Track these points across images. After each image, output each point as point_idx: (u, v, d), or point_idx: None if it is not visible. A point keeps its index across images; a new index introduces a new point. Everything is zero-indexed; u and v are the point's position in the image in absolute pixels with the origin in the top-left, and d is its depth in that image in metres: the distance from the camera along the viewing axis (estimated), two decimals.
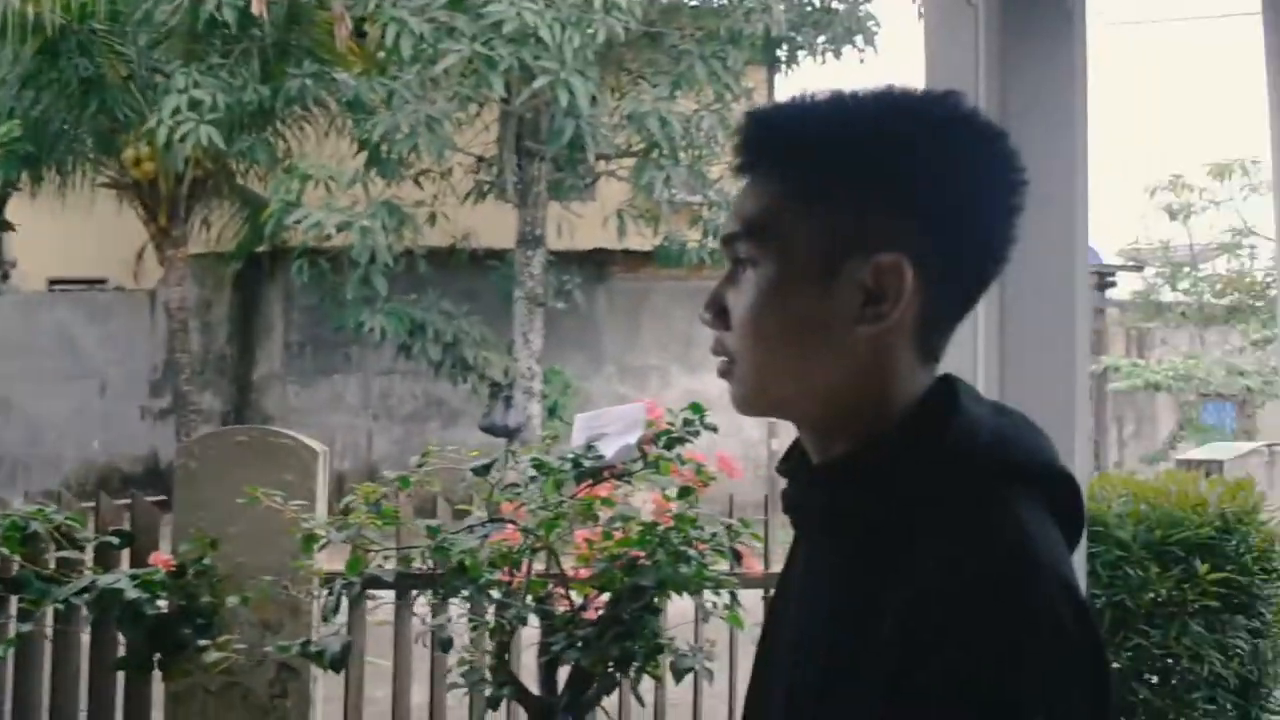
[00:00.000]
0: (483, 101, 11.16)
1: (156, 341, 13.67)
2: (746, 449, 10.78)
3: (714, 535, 2.89)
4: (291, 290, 13.07)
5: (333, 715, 3.42)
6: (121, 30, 10.76)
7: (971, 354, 2.03)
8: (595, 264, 13.63)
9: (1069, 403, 2.07)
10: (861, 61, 13.34)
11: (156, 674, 3.20)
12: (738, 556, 2.89)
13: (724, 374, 0.92)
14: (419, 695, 3.51)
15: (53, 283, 14.85)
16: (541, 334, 11.46)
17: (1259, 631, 3.13)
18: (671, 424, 2.95)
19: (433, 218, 11.42)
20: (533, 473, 2.82)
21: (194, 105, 9.76)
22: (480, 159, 12.21)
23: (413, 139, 10.01)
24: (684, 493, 2.93)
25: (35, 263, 14.66)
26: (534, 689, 2.97)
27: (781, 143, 0.88)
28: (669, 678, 2.96)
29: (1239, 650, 3.04)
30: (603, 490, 3.01)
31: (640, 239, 12.65)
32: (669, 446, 2.93)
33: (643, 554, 2.89)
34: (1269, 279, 16.29)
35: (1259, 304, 15.07)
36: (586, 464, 2.84)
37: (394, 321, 10.68)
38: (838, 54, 12.07)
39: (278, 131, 11.68)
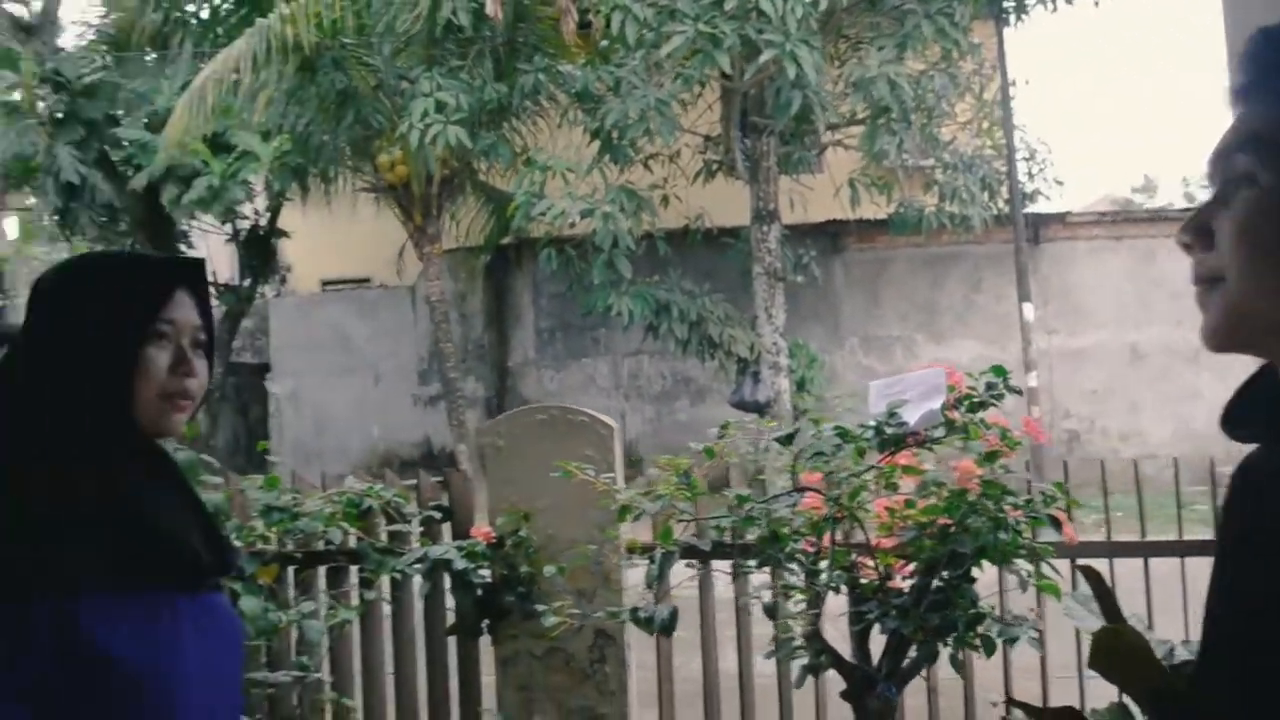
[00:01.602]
0: (705, 81, 11.23)
1: (420, 333, 14.61)
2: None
3: (1028, 501, 2.81)
4: (539, 279, 13.65)
5: (645, 681, 3.56)
6: (368, 43, 11.52)
7: None
8: (829, 236, 13.49)
9: None
10: (1096, 4, 12.55)
11: (485, 640, 3.43)
12: (1056, 523, 2.80)
13: (1200, 303, 0.89)
14: (727, 664, 3.61)
15: (325, 283, 16.13)
16: (783, 308, 11.45)
17: None
18: (973, 388, 2.89)
19: (665, 200, 11.62)
20: (836, 441, 2.83)
21: (440, 107, 10.32)
22: (707, 138, 12.30)
23: (643, 123, 10.20)
24: (990, 458, 2.87)
25: (308, 266, 15.98)
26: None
27: None
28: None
29: None
30: (902, 458, 2.99)
31: (873, 208, 12.42)
32: (971, 411, 2.87)
33: (951, 521, 2.85)
34: None
35: None
36: (889, 431, 2.82)
37: (640, 303, 10.95)
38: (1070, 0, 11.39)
39: (513, 127, 12.19)
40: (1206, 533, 3.59)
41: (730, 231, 12.52)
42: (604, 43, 10.80)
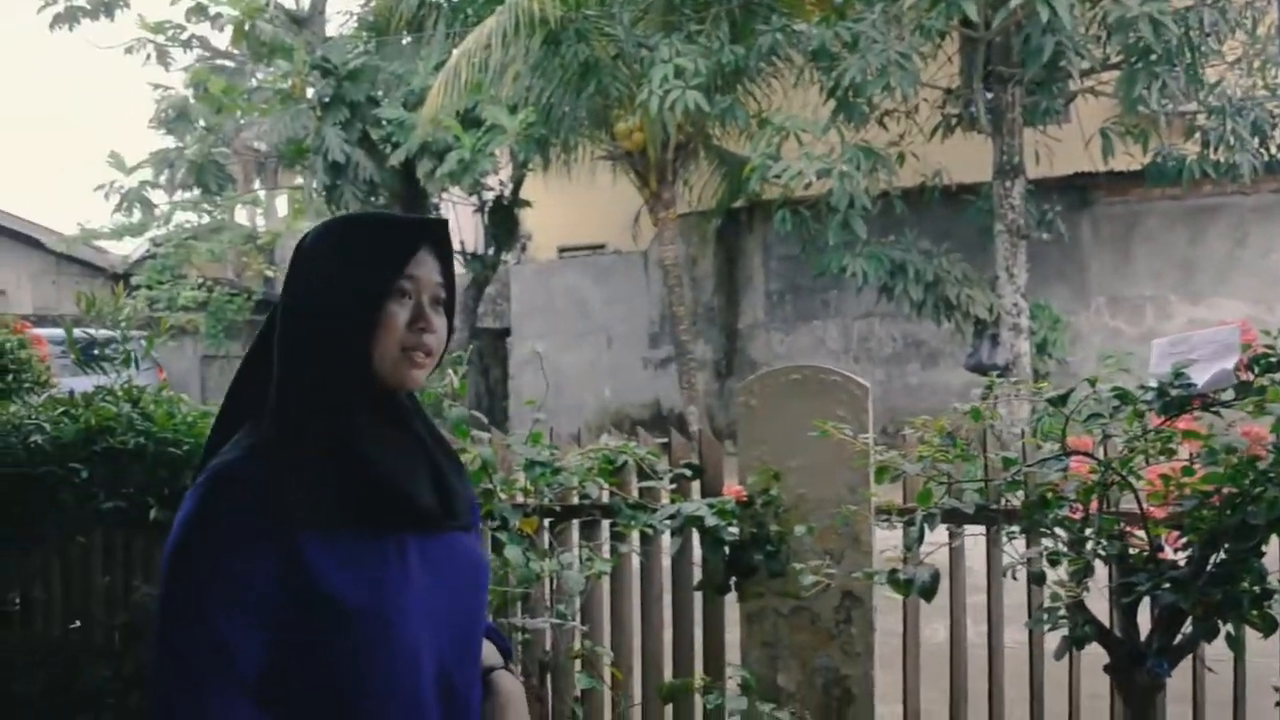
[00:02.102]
0: (946, 32, 10.77)
1: (652, 297, 14.89)
2: None
3: None
4: (769, 241, 13.60)
5: (885, 645, 3.52)
6: (609, 13, 11.73)
7: None
8: (1077, 190, 12.74)
9: None
10: None
11: (729, 597, 3.49)
12: None
13: None
14: (971, 632, 3.52)
15: (562, 250, 16.69)
16: (1025, 268, 10.92)
17: None
18: (1270, 347, 2.66)
19: (902, 157, 11.28)
20: (1115, 403, 2.68)
21: (679, 73, 10.40)
22: (947, 91, 11.83)
23: (884, 79, 9.90)
24: None
25: (547, 233, 16.58)
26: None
27: None
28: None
29: None
30: (1182, 423, 2.80)
31: (1127, 159, 11.61)
32: (1268, 371, 2.65)
33: (1237, 490, 2.65)
34: None
35: None
36: (1174, 393, 2.64)
37: (874, 264, 10.71)
38: None
39: (748, 90, 12.14)
40: None
41: (970, 188, 12.02)
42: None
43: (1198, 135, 11.20)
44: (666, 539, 3.53)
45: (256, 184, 20.55)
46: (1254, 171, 10.91)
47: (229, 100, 16.51)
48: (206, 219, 18.87)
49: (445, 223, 1.56)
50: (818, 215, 10.92)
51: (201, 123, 18.14)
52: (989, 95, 11.36)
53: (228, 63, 19.10)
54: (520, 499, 3.54)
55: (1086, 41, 10.61)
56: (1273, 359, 2.65)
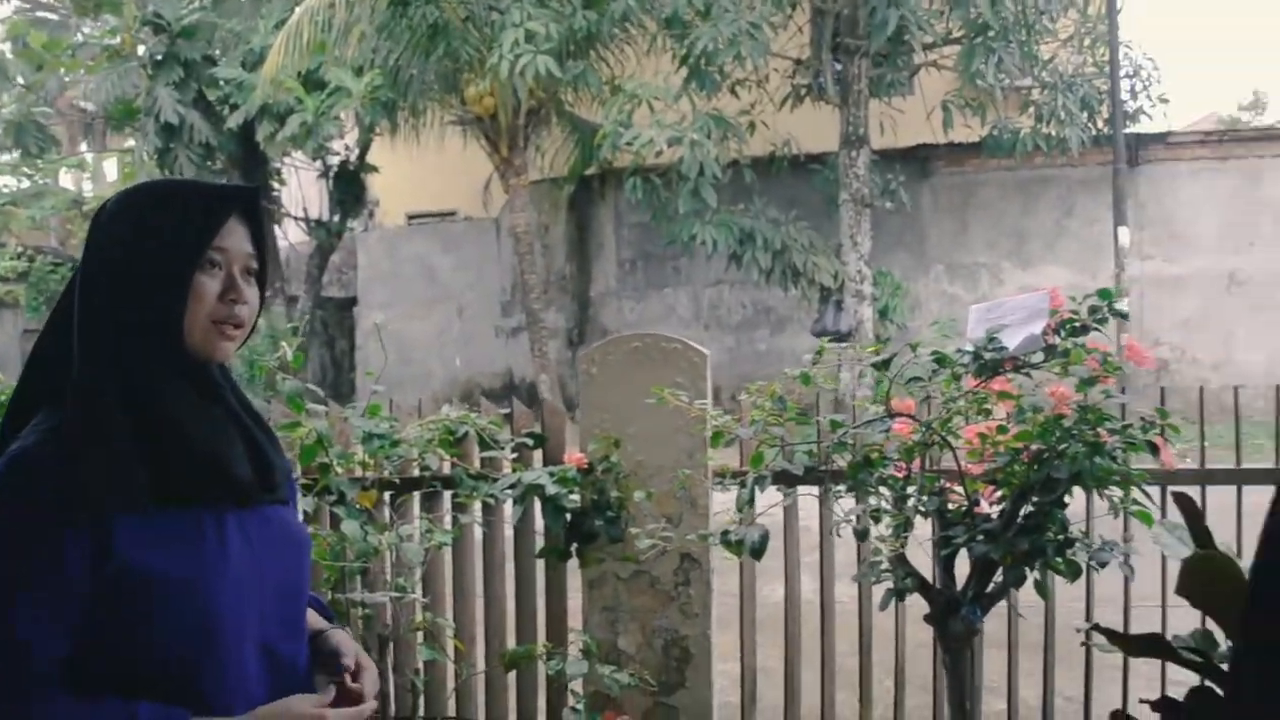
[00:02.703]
0: (796, 2, 10.96)
1: (504, 265, 14.75)
2: None
3: (1125, 426, 2.75)
4: (621, 209, 13.63)
5: (724, 606, 3.61)
6: None
7: None
8: (919, 160, 13.19)
9: None
10: None
11: (571, 563, 3.51)
12: (1154, 449, 2.73)
13: None
14: (805, 589, 3.64)
15: (411, 217, 16.34)
16: (869, 236, 11.26)
17: None
18: (1075, 312, 2.82)
19: (752, 126, 11.44)
20: (933, 366, 2.80)
21: (529, 37, 10.27)
22: (797, 62, 12.05)
23: (734, 48, 10.02)
24: (1089, 383, 2.81)
25: (395, 200, 16.20)
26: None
27: None
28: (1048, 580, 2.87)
29: None
30: (997, 384, 2.94)
31: (966, 130, 12.08)
32: (1072, 335, 2.80)
33: (1044, 446, 2.81)
34: None
35: None
36: (987, 356, 2.77)
37: (724, 232, 10.86)
38: None
39: (600, 56, 12.08)
40: None
41: (817, 158, 12.30)
42: None
43: (1031, 110, 11.75)
44: (509, 508, 3.52)
45: (83, 146, 19.40)
46: (1082, 145, 11.51)
47: (51, 56, 15.49)
48: (27, 183, 17.72)
49: (257, 190, 1.51)
50: (669, 183, 11.00)
51: (20, 80, 16.96)
52: (837, 67, 11.63)
53: (50, 15, 17.91)
54: (359, 472, 3.47)
55: (929, 17, 10.97)
56: (1077, 324, 2.81)
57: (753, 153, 11.60)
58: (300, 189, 15.52)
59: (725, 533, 2.70)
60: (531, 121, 12.56)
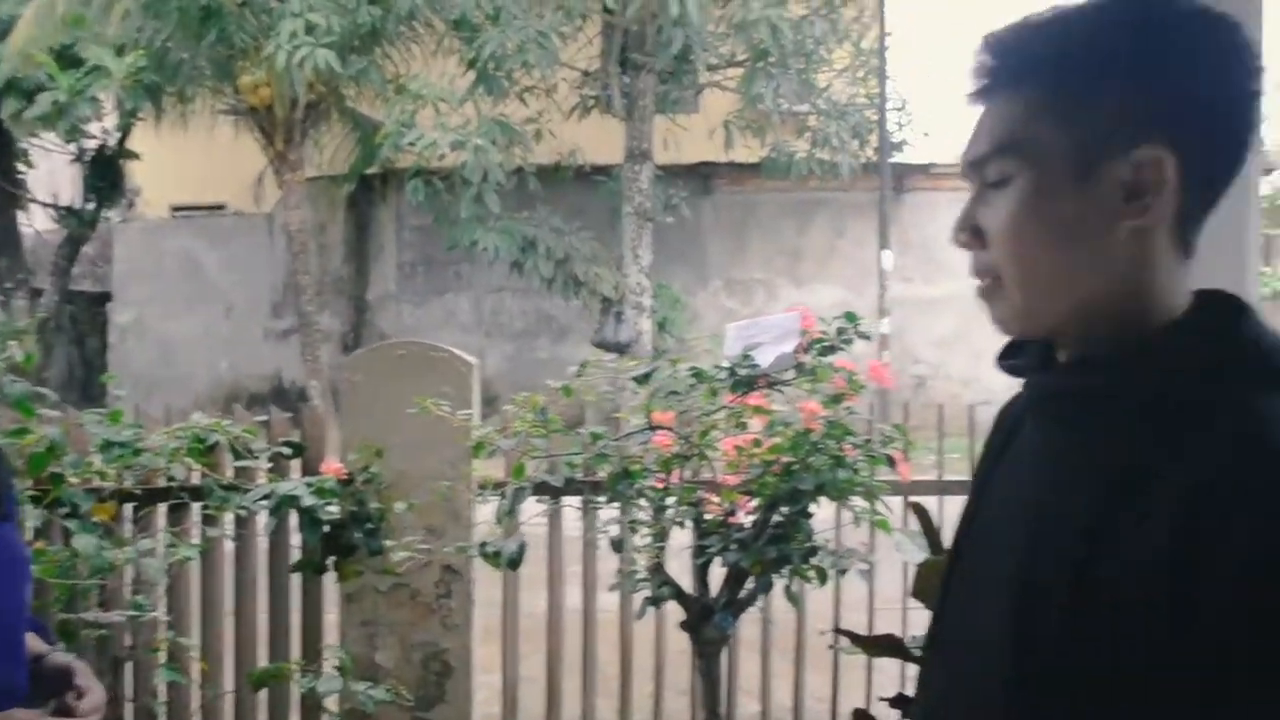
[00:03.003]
0: (586, 15, 11.07)
1: (276, 264, 14.12)
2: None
3: (866, 441, 2.92)
4: (403, 211, 13.33)
5: (489, 617, 3.58)
6: None
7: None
8: (701, 177, 13.55)
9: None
10: None
11: (328, 576, 3.39)
12: (892, 462, 2.92)
13: (987, 295, 0.93)
14: (571, 599, 3.66)
15: (175, 209, 15.39)
16: (650, 249, 11.49)
17: None
18: (825, 332, 2.97)
19: (539, 135, 11.46)
20: (691, 381, 2.88)
21: (309, 29, 9.90)
22: (585, 73, 12.16)
23: (523, 55, 10.02)
24: (835, 400, 2.96)
25: (158, 190, 15.21)
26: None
27: (1024, 61, 0.89)
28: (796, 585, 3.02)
29: None
30: (753, 399, 3.06)
31: (746, 151, 12.51)
32: (822, 355, 2.95)
33: (795, 459, 2.94)
34: None
35: None
36: (742, 373, 2.87)
37: (506, 239, 10.82)
38: None
39: (385, 53, 11.79)
40: None
41: (602, 169, 12.45)
42: None
43: (807, 135, 12.31)
44: (263, 520, 3.36)
45: None
46: (853, 171, 12.16)
47: None
48: None
49: None
50: (451, 187, 10.86)
51: None
52: (625, 80, 11.81)
53: None
54: (96, 483, 3.23)
55: (715, 39, 11.32)
56: (826, 343, 2.96)
57: (538, 161, 11.61)
58: (51, 174, 14.34)
59: (484, 544, 2.69)
60: (310, 116, 12.10)
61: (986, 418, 3.84)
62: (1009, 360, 1.00)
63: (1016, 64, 0.89)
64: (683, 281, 13.29)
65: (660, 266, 12.29)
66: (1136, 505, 0.80)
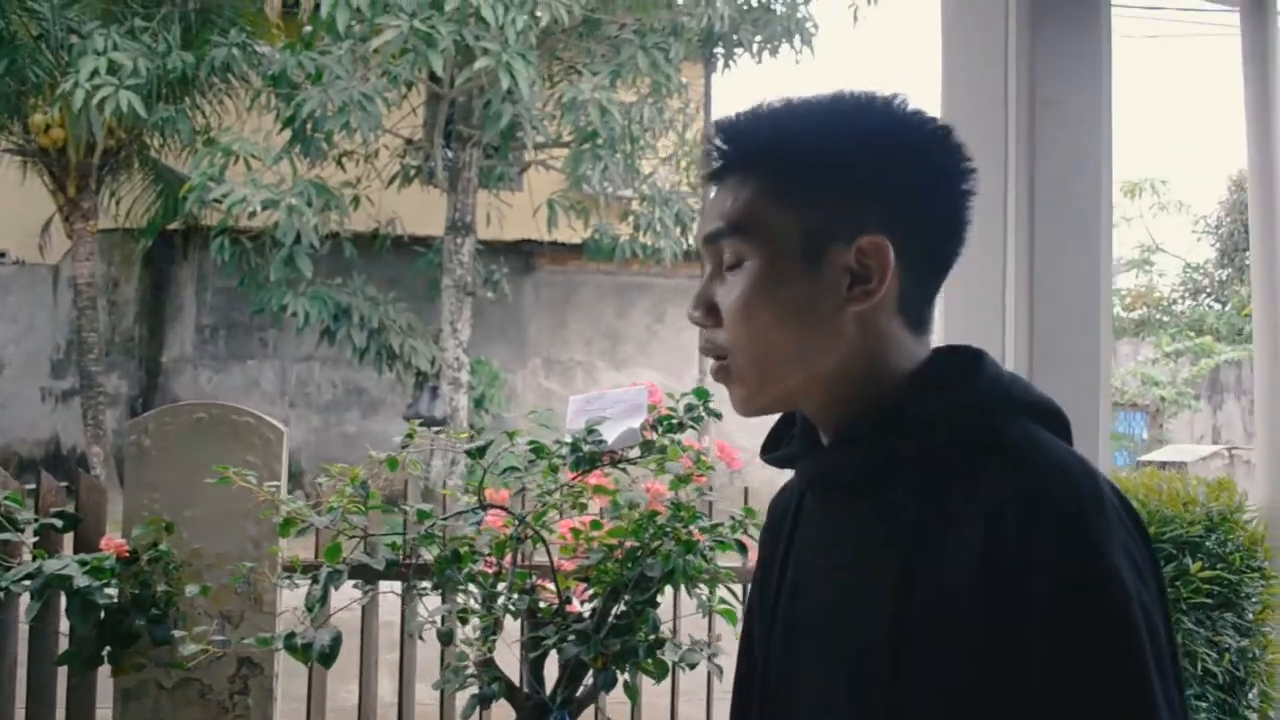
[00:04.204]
0: (413, 82, 10.85)
1: (59, 320, 13.00)
2: None
3: (716, 526, 2.77)
4: (206, 271, 12.57)
5: (292, 713, 3.21)
6: None
7: (999, 347, 2.01)
8: (522, 255, 13.43)
9: (1093, 400, 2.03)
10: (797, 63, 13.42)
11: (103, 670, 2.95)
12: (743, 548, 2.77)
13: (720, 374, 0.97)
14: (384, 692, 3.33)
15: None
16: (469, 324, 11.21)
17: (1244, 629, 3.14)
18: (673, 409, 2.82)
19: (357, 200, 11.06)
20: (530, 457, 2.66)
21: (113, 69, 9.27)
22: (409, 142, 11.91)
23: (343, 117, 9.67)
24: (682, 481, 2.81)
25: None
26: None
27: (757, 147, 0.94)
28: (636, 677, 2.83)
29: (1228, 647, 3.04)
30: (593, 478, 2.87)
31: (569, 231, 12.50)
32: (670, 432, 2.80)
33: (638, 544, 2.76)
34: (1174, 295, 16.88)
35: (1165, 319, 15.58)
36: (586, 448, 2.68)
37: (318, 305, 10.30)
38: (774, 53, 12.06)
39: (196, 104, 11.19)
40: None
41: (422, 240, 12.15)
42: (309, 28, 10.13)
43: (631, 218, 12.40)
44: (26, 602, 2.91)
45: None
46: (674, 257, 12.30)
47: None
48: None
49: None
50: (261, 248, 10.30)
51: None
52: (449, 152, 11.61)
53: None
54: None
55: (543, 117, 11.29)
56: (674, 420, 2.81)
57: (355, 227, 11.20)
58: None
59: (291, 635, 2.36)
60: (108, 163, 11.30)
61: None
62: (773, 453, 1.05)
63: (748, 150, 0.94)
64: (501, 359, 13.04)
65: (480, 342, 12.02)
66: (932, 552, 0.84)
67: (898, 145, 0.92)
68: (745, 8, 11.88)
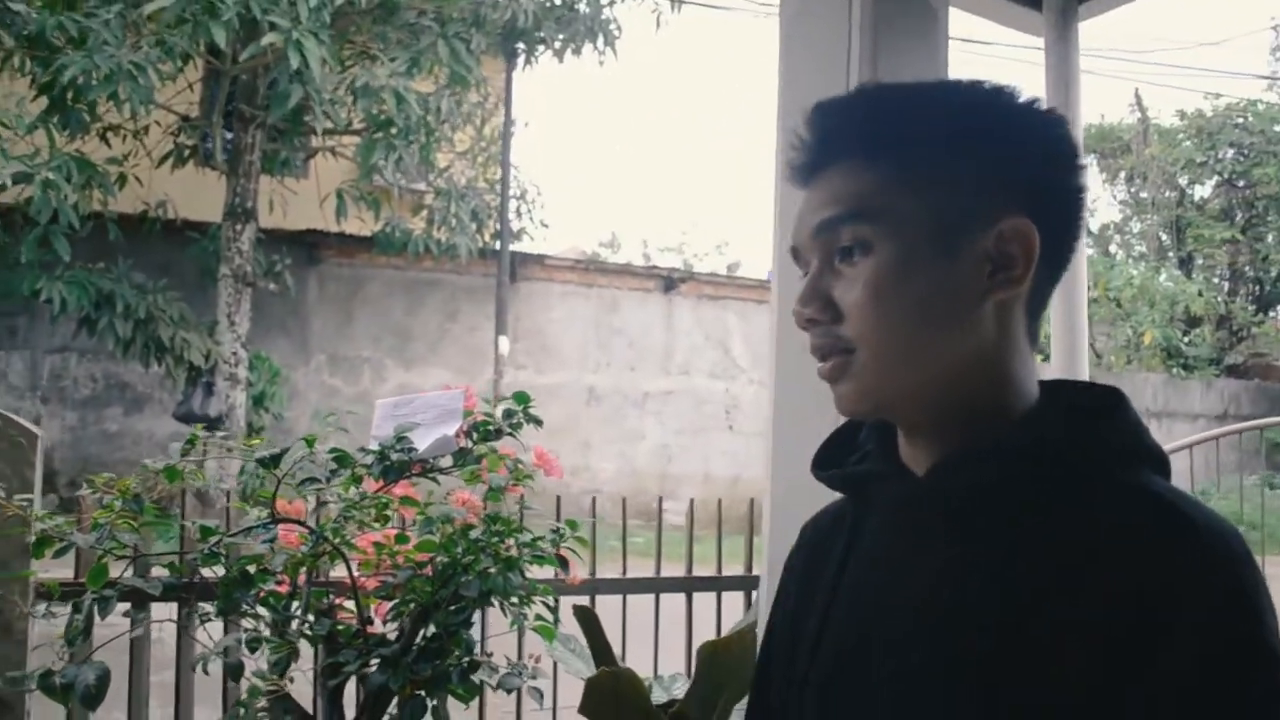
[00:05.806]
0: (191, 55, 10.09)
1: None
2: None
3: (536, 540, 2.60)
4: None
5: None
6: None
7: None
8: (307, 245, 12.81)
9: None
10: (600, 64, 13.42)
11: None
12: (564, 563, 2.61)
13: (835, 371, 0.89)
14: None
15: None
16: (249, 317, 10.54)
17: None
18: (489, 415, 2.64)
19: (123, 180, 10.17)
20: (333, 466, 2.41)
21: None
22: (184, 119, 11.08)
23: (109, 86, 8.84)
24: (498, 492, 2.63)
25: None
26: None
27: (872, 133, 0.89)
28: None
29: None
30: (399, 488, 2.65)
31: (359, 223, 12.01)
32: (485, 439, 2.61)
33: (449, 559, 2.56)
34: None
35: None
36: (394, 457, 2.46)
37: (76, 291, 9.39)
38: (577, 52, 11.99)
39: None
40: (649, 566, 3.77)
41: (196, 226, 11.35)
42: None
43: (425, 213, 12.02)
44: None
45: None
46: (470, 254, 12.01)
47: None
48: None
49: None
50: (10, 226, 9.32)
51: None
52: (229, 133, 10.89)
53: None
54: None
55: (334, 101, 10.73)
56: (492, 427, 2.63)
57: (121, 208, 10.32)
58: None
59: (48, 674, 2.02)
60: None
61: (602, 506, 3.66)
62: (834, 469, 0.98)
63: (864, 135, 0.89)
64: (283, 354, 12.35)
65: (259, 336, 11.33)
66: (1053, 594, 0.79)
67: (1028, 133, 0.90)
68: (549, 5, 11.74)
